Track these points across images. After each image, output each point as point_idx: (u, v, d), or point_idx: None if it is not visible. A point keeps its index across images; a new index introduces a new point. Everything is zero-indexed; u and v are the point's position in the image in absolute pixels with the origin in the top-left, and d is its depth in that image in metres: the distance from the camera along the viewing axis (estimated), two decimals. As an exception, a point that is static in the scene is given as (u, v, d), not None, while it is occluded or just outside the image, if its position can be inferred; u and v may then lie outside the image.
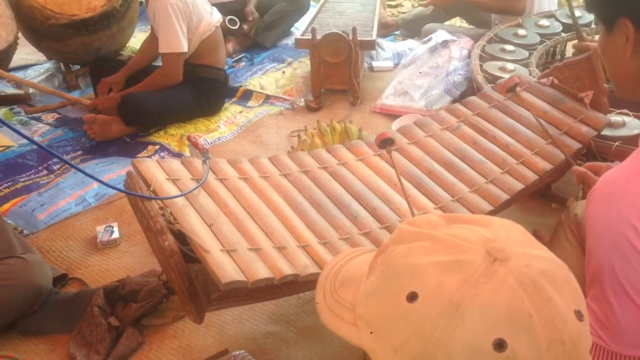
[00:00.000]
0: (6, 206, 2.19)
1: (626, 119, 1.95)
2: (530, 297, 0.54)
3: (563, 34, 2.83)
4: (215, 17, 2.83)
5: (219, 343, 1.65)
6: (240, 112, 3.00)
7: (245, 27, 3.63)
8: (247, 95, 3.16)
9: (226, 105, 3.05)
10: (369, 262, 0.68)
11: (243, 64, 3.59)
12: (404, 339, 0.56)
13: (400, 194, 1.55)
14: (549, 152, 1.72)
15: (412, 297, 0.56)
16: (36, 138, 2.71)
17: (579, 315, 0.56)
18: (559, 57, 2.86)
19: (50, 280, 1.74)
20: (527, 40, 2.74)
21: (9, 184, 2.35)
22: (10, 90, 3.15)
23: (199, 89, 2.83)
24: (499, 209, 1.58)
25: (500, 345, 0.52)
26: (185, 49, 2.68)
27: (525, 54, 2.64)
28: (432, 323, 0.54)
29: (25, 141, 2.60)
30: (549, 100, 1.89)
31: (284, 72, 3.42)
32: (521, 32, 2.80)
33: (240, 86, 3.23)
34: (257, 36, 3.70)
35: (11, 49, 2.75)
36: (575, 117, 1.82)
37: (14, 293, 1.58)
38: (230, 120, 2.92)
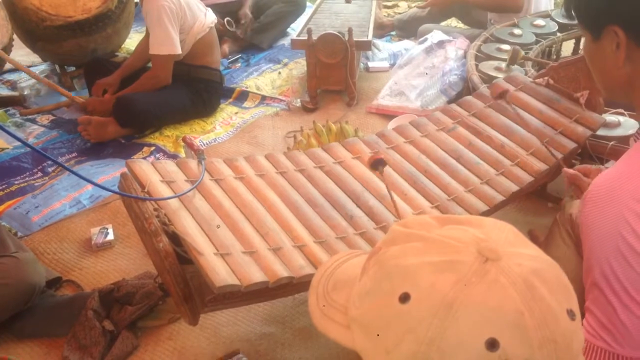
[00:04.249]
0: (0, 208, 2.18)
1: (621, 118, 1.95)
2: (522, 296, 0.54)
3: (559, 34, 2.83)
4: (209, 18, 2.82)
5: (213, 345, 1.64)
6: (236, 113, 3.00)
7: (238, 32, 3.63)
8: (243, 96, 3.16)
9: (222, 106, 3.04)
10: (362, 264, 0.67)
11: (239, 65, 3.58)
12: (396, 340, 0.56)
13: (390, 207, 1.55)
14: (544, 152, 1.72)
15: (404, 297, 0.56)
16: (31, 140, 2.70)
17: (570, 314, 0.56)
18: (555, 56, 2.87)
19: (44, 277, 1.74)
20: (523, 40, 2.74)
21: (4, 186, 2.34)
22: (5, 92, 3.14)
23: (194, 89, 2.83)
24: (494, 209, 1.58)
25: (492, 344, 0.52)
26: (177, 51, 2.67)
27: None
28: (425, 323, 0.54)
29: (20, 143, 2.59)
30: (545, 100, 1.89)
31: (280, 72, 3.42)
32: (517, 31, 2.80)
33: (236, 87, 3.22)
34: (252, 38, 3.70)
35: (6, 50, 2.74)
36: (570, 117, 1.81)
37: (8, 291, 1.58)
38: (226, 121, 2.92)
